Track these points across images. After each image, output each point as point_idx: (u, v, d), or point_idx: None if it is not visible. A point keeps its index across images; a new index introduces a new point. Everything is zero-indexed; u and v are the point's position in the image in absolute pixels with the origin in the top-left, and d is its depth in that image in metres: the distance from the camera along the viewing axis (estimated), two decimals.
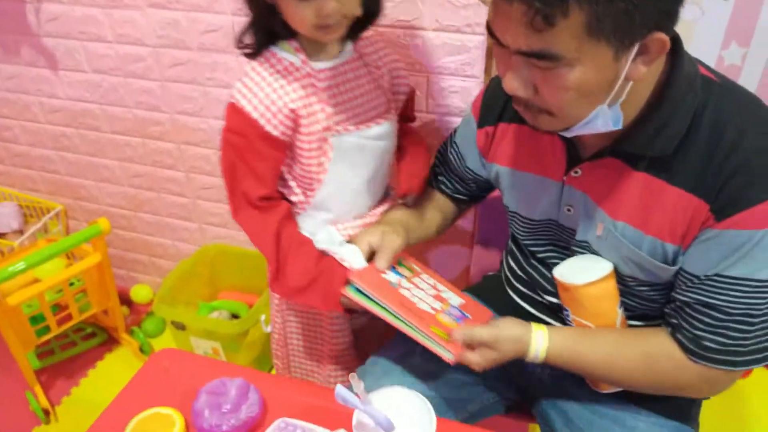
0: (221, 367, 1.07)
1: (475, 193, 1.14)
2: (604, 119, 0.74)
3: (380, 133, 1.08)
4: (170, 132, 1.69)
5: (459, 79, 1.31)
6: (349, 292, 0.95)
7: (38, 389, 1.75)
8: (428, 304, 0.96)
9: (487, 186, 1.11)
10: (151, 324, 1.97)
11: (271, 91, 0.99)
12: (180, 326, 1.67)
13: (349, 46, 1.06)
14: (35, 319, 1.69)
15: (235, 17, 1.41)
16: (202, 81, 1.55)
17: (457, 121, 1.36)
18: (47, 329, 1.69)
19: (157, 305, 1.67)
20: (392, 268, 1.00)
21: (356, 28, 1.02)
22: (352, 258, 1.00)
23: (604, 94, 0.71)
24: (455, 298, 1.03)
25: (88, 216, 2.04)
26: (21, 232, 2.00)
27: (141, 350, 1.88)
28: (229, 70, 1.50)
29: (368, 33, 1.08)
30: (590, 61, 0.67)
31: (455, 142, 1.10)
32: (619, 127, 0.76)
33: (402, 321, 0.89)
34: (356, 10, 0.95)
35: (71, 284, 1.70)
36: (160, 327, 1.99)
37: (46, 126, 1.86)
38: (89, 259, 1.66)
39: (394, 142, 1.14)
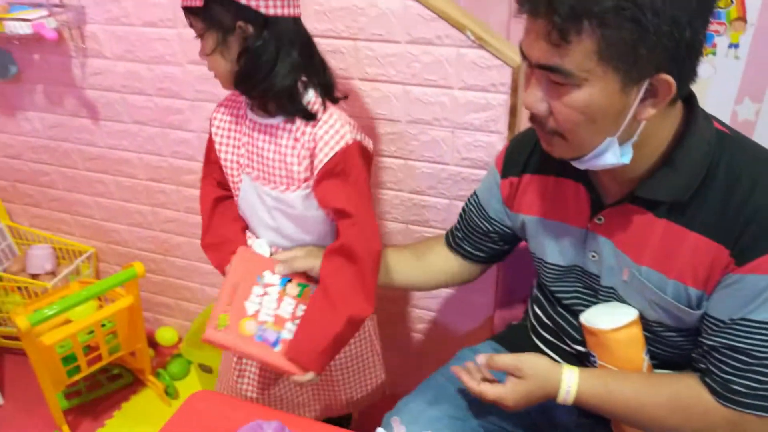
0: (256, 409, 1.10)
1: (494, 250, 1.18)
2: (614, 153, 0.80)
3: (278, 197, 1.16)
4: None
5: (484, 134, 1.38)
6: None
7: (66, 429, 1.78)
8: (258, 307, 1.12)
9: (509, 238, 1.15)
10: (177, 366, 2.00)
11: (222, 105, 1.29)
12: (207, 369, 1.71)
13: (280, 118, 1.13)
14: (67, 360, 1.73)
15: None
16: None
17: (481, 173, 1.42)
18: (78, 369, 1.73)
19: (185, 347, 1.71)
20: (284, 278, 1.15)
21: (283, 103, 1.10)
22: (259, 248, 1.21)
23: (613, 125, 0.78)
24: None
25: (118, 259, 2.11)
26: (53, 273, 2.06)
27: (166, 392, 1.90)
28: None
29: (330, 110, 1.12)
30: (598, 85, 0.74)
31: (476, 195, 1.16)
32: (627, 161, 0.81)
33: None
34: (220, 74, 1.12)
35: (103, 325, 1.75)
36: (185, 369, 2.02)
37: (83, 172, 1.95)
38: (122, 302, 1.71)
39: (307, 212, 1.17)
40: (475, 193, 1.17)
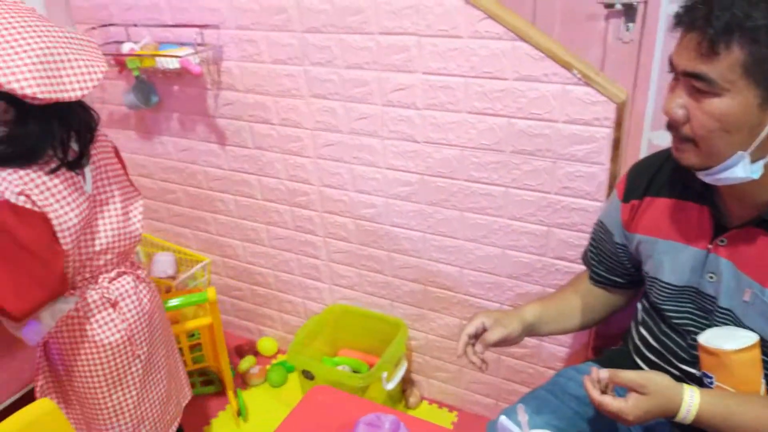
0: (368, 405, 1.21)
1: (631, 274, 1.21)
2: (744, 168, 0.84)
3: None
4: (315, 201, 1.94)
5: (585, 165, 1.46)
6: None
7: None
8: None
9: (638, 263, 1.17)
10: (276, 374, 2.16)
11: None
12: (309, 376, 1.84)
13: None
14: None
15: (385, 107, 1.65)
16: (348, 159, 1.80)
17: (582, 202, 1.50)
18: None
19: (291, 355, 1.85)
20: None
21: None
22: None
23: (746, 139, 0.83)
24: None
25: (229, 271, 2.31)
26: (173, 278, 2.29)
27: (238, 413, 2.03)
28: (374, 152, 1.73)
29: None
30: (738, 97, 0.80)
31: (601, 221, 1.23)
32: (756, 177, 0.86)
33: None
34: None
35: (190, 336, 1.95)
36: (283, 377, 2.17)
37: (206, 191, 2.18)
38: (201, 320, 1.89)
39: None
40: (600, 220, 1.24)
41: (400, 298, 1.94)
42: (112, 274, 1.35)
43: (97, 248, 1.29)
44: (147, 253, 2.44)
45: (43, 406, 1.20)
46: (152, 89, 2.05)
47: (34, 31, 1.07)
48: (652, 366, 1.13)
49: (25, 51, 1.04)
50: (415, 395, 2.04)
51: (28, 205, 1.12)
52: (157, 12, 1.92)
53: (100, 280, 1.32)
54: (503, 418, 0.86)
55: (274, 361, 2.28)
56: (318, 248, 2.03)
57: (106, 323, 1.32)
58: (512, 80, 1.46)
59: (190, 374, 2.17)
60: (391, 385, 1.81)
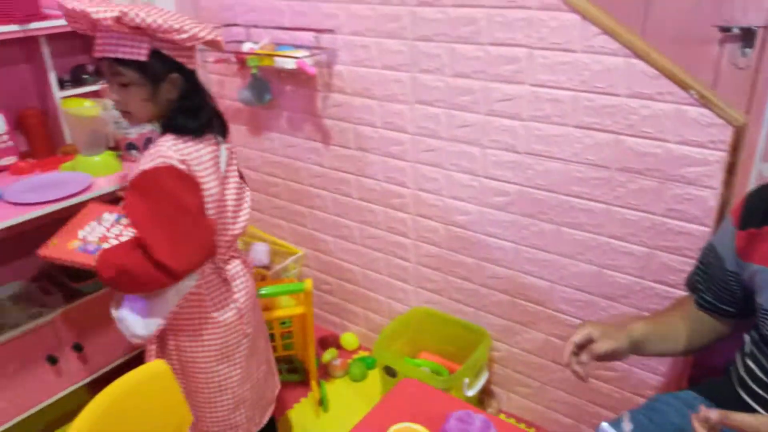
0: (456, 402, 1.23)
1: (740, 302, 1.16)
2: None
3: None
4: (409, 204, 1.99)
5: (695, 188, 1.41)
6: None
7: None
8: (87, 232, 1.52)
9: (749, 292, 1.12)
10: (357, 368, 2.22)
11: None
12: (392, 373, 1.89)
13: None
14: None
15: (489, 116, 1.68)
16: (446, 166, 1.83)
17: (688, 226, 1.45)
18: None
19: (376, 351, 1.91)
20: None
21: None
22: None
23: None
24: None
25: (320, 265, 2.41)
26: (268, 268, 2.41)
27: (320, 403, 2.10)
28: (473, 160, 1.76)
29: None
30: None
31: (713, 245, 1.19)
32: None
33: None
34: (136, 111, 1.31)
35: (282, 323, 2.04)
36: (364, 372, 2.22)
37: (307, 187, 2.28)
38: (295, 309, 1.98)
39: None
40: (711, 244, 1.20)
41: (486, 307, 1.95)
42: (226, 257, 1.45)
43: (220, 227, 1.39)
44: (244, 242, 2.59)
45: (157, 366, 1.32)
46: (266, 87, 2.18)
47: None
48: (758, 399, 1.08)
49: (180, 16, 1.27)
50: (493, 407, 2.03)
51: (189, 172, 1.26)
52: (277, 15, 2.05)
53: (216, 261, 1.42)
54: (605, 425, 0.86)
55: (355, 356, 2.35)
56: (407, 250, 2.08)
57: (221, 301, 1.42)
58: (624, 97, 1.44)
59: (277, 361, 2.28)
60: (472, 392, 1.82)
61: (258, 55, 1.99)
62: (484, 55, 1.62)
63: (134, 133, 1.79)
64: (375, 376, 2.25)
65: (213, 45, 1.35)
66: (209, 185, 1.32)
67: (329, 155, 2.14)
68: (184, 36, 1.23)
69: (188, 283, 1.37)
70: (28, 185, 1.68)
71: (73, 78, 1.90)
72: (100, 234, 1.53)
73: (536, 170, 1.65)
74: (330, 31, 1.92)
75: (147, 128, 1.83)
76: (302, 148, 2.22)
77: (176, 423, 1.35)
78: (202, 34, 1.26)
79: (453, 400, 1.25)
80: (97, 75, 1.93)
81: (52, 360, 1.84)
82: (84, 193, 1.64)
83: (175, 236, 1.24)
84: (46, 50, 1.76)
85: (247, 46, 2.06)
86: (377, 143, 1.98)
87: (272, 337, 2.04)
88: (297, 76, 2.09)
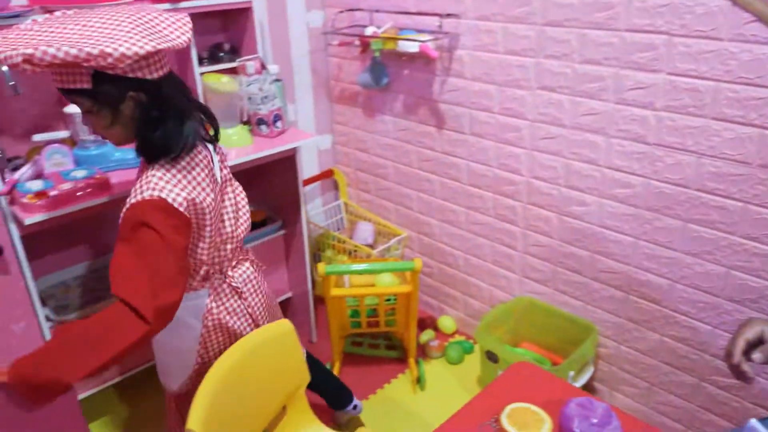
0: (573, 389, 1.23)
1: None
2: None
3: None
4: (521, 192, 1.98)
5: None
6: None
7: (337, 365, 2.18)
8: None
9: None
10: (454, 351, 2.24)
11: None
12: (494, 358, 1.89)
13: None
14: (355, 314, 2.11)
15: (618, 105, 1.63)
16: (566, 154, 1.80)
17: None
18: (359, 325, 2.13)
19: (478, 335, 1.92)
20: None
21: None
22: None
23: None
24: None
25: (422, 248, 2.45)
26: (371, 246, 2.48)
27: (417, 381, 2.14)
28: (597, 149, 1.72)
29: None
30: None
31: None
32: None
33: None
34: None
35: (387, 300, 2.09)
36: (461, 355, 2.25)
37: (415, 170, 2.32)
38: (401, 288, 2.01)
39: None
40: None
41: (596, 302, 1.90)
42: (234, 263, 1.37)
43: (224, 237, 1.31)
44: (350, 220, 2.68)
45: (284, 326, 1.41)
46: (384, 71, 2.24)
47: (121, 14, 1.11)
48: None
49: (119, 24, 1.07)
50: None
51: (181, 208, 1.13)
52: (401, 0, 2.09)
53: (224, 269, 1.35)
54: (754, 421, 0.83)
55: (452, 340, 2.37)
56: (515, 238, 2.06)
57: (236, 312, 1.36)
58: None
59: (376, 337, 2.36)
60: (577, 385, 1.79)
61: (382, 38, 2.05)
62: (618, 42, 1.58)
63: (265, 109, 1.90)
64: (472, 360, 2.26)
65: (156, 54, 1.13)
66: (207, 202, 1.19)
67: (442, 139, 2.16)
68: (110, 60, 1.02)
69: (199, 303, 1.32)
70: None
71: (210, 56, 2.04)
72: None
73: (666, 163, 1.58)
74: (455, 15, 1.93)
75: (277, 104, 1.93)
76: (415, 131, 2.25)
77: (296, 382, 1.43)
78: (131, 51, 1.03)
79: (569, 387, 1.25)
80: (233, 53, 2.05)
81: None
82: None
83: (154, 280, 1.08)
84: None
85: (370, 30, 2.12)
86: (493, 129, 1.98)
87: (375, 312, 2.10)
88: (415, 61, 2.12)
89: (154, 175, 1.13)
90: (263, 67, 1.87)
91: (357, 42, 2.19)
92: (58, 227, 1.83)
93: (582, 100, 1.71)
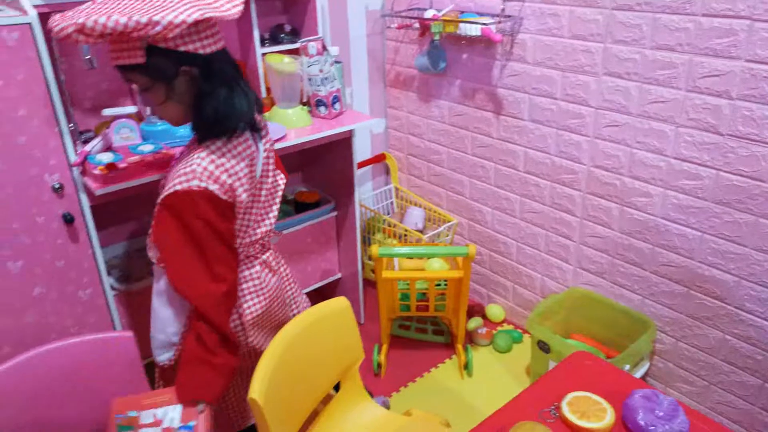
0: (635, 381, 1.20)
1: None
2: None
3: None
4: (580, 181, 1.93)
5: None
6: None
7: (384, 347, 2.19)
8: None
9: None
10: (503, 340, 2.23)
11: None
12: (545, 348, 1.87)
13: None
14: (405, 297, 2.11)
15: (689, 93, 1.57)
16: (631, 143, 1.75)
17: None
18: (408, 308, 2.13)
19: (530, 325, 1.90)
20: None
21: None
22: None
23: None
24: (175, 412, 1.19)
25: (473, 235, 2.43)
26: (422, 231, 2.48)
27: (465, 367, 2.13)
28: (664, 139, 1.66)
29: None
30: None
31: None
32: None
33: None
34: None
35: (437, 285, 2.08)
36: (509, 344, 2.23)
37: (470, 157, 2.30)
38: (453, 273, 2.00)
39: None
40: None
41: (655, 296, 1.85)
42: (255, 254, 1.35)
43: (249, 228, 1.30)
44: (400, 205, 2.68)
45: (341, 303, 1.42)
46: (442, 55, 2.21)
47: None
48: None
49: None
50: None
51: (225, 196, 1.16)
52: None
53: (247, 259, 1.34)
54: None
55: (500, 328, 2.35)
56: (572, 228, 2.02)
57: (251, 296, 1.35)
58: None
59: (423, 321, 2.36)
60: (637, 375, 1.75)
61: (442, 21, 2.02)
62: (693, 27, 1.51)
63: (325, 90, 1.91)
64: (520, 349, 2.24)
65: (205, 22, 1.13)
66: (242, 197, 1.21)
67: (499, 125, 2.13)
68: (159, 29, 1.03)
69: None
70: None
71: (272, 37, 2.06)
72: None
73: (739, 155, 1.52)
74: None
75: (336, 86, 1.94)
76: (471, 117, 2.23)
77: (352, 358, 1.45)
78: (179, 20, 1.03)
79: (631, 379, 1.22)
80: (293, 35, 2.07)
81: None
82: (281, 141, 1.79)
83: (202, 264, 1.16)
84: (253, 8, 1.91)
85: (430, 13, 2.10)
86: (553, 116, 1.94)
87: (425, 296, 2.10)
88: (475, 45, 2.09)
89: (201, 159, 1.15)
90: (324, 48, 1.88)
91: (416, 25, 2.17)
92: (123, 200, 1.89)
93: (651, 87, 1.65)
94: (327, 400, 1.45)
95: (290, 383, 1.24)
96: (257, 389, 1.12)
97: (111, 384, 1.30)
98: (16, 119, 1.41)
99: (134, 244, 2.05)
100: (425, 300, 2.11)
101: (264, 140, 1.30)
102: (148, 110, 1.72)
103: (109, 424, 1.19)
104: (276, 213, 1.37)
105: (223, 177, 1.16)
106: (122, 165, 1.52)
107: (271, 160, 1.33)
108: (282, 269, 1.47)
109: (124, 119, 1.70)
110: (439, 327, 2.36)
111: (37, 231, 1.51)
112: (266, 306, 1.37)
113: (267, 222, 1.34)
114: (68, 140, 1.49)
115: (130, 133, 1.71)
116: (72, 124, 1.59)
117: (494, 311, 2.40)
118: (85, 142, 1.69)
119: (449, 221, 2.47)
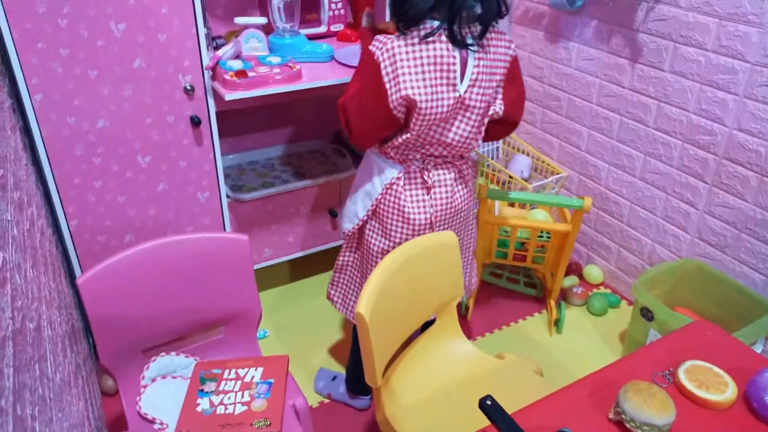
0: (759, 357, 1.11)
1: None
2: None
3: None
4: (718, 145, 1.76)
5: None
6: None
7: (474, 291, 2.07)
8: (240, 402, 1.24)
9: None
10: (599, 302, 2.14)
11: None
12: (648, 316, 1.78)
13: None
14: (503, 244, 2.05)
15: None
16: None
17: None
18: (504, 255, 2.07)
19: (636, 290, 1.80)
20: (199, 392, 1.26)
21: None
22: None
23: None
24: (256, 372, 1.31)
25: (582, 190, 2.31)
26: (527, 180, 2.39)
27: (555, 323, 2.07)
28: None
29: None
30: None
31: None
32: None
33: None
34: None
35: (539, 236, 2.00)
36: (605, 307, 2.14)
37: (594, 106, 2.15)
38: (560, 226, 1.90)
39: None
40: None
41: None
42: (439, 161, 1.40)
43: (435, 144, 1.34)
44: (506, 151, 2.58)
45: (449, 236, 1.40)
46: None
47: None
48: None
49: None
50: None
51: (383, 73, 1.20)
52: None
53: (426, 163, 1.39)
54: None
55: (596, 290, 2.26)
56: (698, 195, 1.87)
57: (417, 202, 1.40)
58: None
59: (516, 272, 2.31)
60: None
61: None
62: None
63: None
64: (616, 314, 2.16)
65: None
66: (415, 91, 1.22)
67: (632, 74, 1.97)
68: None
69: (391, 173, 1.39)
70: (353, 51, 1.83)
71: None
72: None
73: None
74: None
75: None
76: (602, 62, 2.07)
77: (451, 294, 1.44)
78: None
79: (759, 357, 1.13)
80: None
81: (333, 214, 2.08)
82: None
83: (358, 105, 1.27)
84: None
85: None
86: (700, 69, 1.76)
87: (524, 246, 2.04)
88: None
89: (387, 37, 1.22)
90: None
91: None
92: (244, 111, 1.93)
93: None
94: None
95: (394, 306, 1.25)
96: (365, 305, 1.13)
97: (222, 282, 1.37)
98: (159, 16, 1.45)
99: (247, 158, 2.12)
100: (524, 250, 2.06)
101: (482, 60, 1.30)
102: (283, 18, 1.72)
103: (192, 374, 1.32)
104: (463, 136, 1.37)
105: (394, 56, 1.23)
106: (252, 74, 1.55)
107: (489, 83, 1.33)
108: (443, 199, 1.47)
109: (253, 29, 1.72)
110: (531, 280, 2.31)
111: (167, 129, 1.59)
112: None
113: (448, 138, 1.36)
114: (203, 43, 1.53)
115: (258, 43, 1.73)
116: (206, 29, 1.62)
117: (593, 272, 2.30)
118: (216, 48, 1.73)
119: (558, 173, 2.36)
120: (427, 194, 1.41)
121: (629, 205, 2.13)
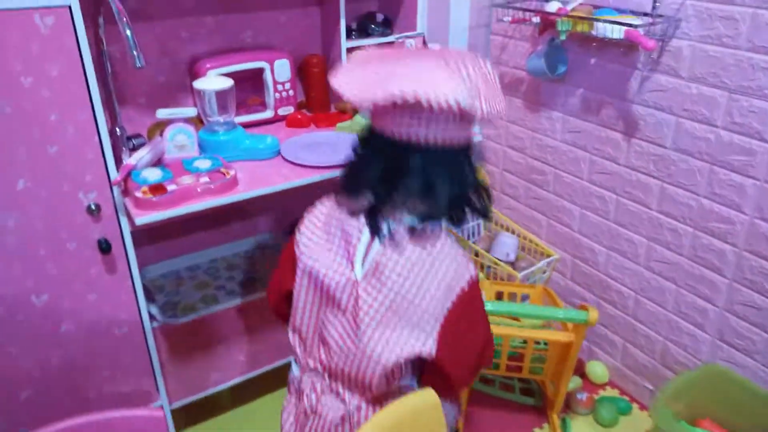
0: None
1: None
2: None
3: None
4: (737, 234, 1.50)
5: None
6: None
7: (463, 407, 1.80)
8: None
9: None
10: (606, 410, 1.83)
11: None
12: None
13: None
14: (495, 353, 1.72)
15: None
16: None
17: None
18: (497, 366, 1.75)
19: (658, 410, 1.50)
20: None
21: None
22: None
23: None
24: None
25: (579, 276, 2.02)
26: (512, 264, 2.10)
27: None
28: None
29: None
30: None
31: None
32: None
33: None
34: None
35: (536, 343, 1.71)
36: (614, 416, 1.83)
37: (584, 183, 1.89)
38: (562, 336, 1.62)
39: None
40: None
41: None
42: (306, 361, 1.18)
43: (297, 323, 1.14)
44: (489, 230, 2.30)
45: (426, 397, 1.09)
46: (563, 57, 1.81)
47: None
48: None
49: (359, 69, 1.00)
50: None
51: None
52: None
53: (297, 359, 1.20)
54: None
55: (603, 393, 1.96)
56: (717, 291, 1.59)
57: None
58: None
59: (510, 377, 1.99)
60: None
61: (573, 18, 1.62)
62: None
63: None
64: (628, 423, 1.85)
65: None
66: (305, 263, 1.07)
67: (629, 150, 1.71)
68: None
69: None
70: (304, 142, 1.54)
71: (360, 27, 1.72)
72: None
73: None
74: None
75: None
76: (592, 135, 1.81)
77: None
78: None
79: None
80: (385, 26, 1.72)
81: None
82: None
83: None
84: None
85: (554, 6, 1.70)
86: (710, 147, 1.51)
87: (516, 355, 1.74)
88: (608, 48, 1.67)
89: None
90: (425, 45, 1.52)
91: (536, 20, 1.77)
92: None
93: None
94: None
95: None
96: None
97: None
98: (46, 125, 1.15)
99: (185, 262, 1.80)
100: (519, 360, 1.75)
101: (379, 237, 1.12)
102: (215, 110, 1.43)
103: None
104: (330, 355, 1.17)
105: (303, 225, 1.13)
106: (171, 187, 1.24)
107: (386, 270, 1.11)
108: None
109: (180, 123, 1.42)
110: (529, 385, 1.99)
111: (68, 259, 1.26)
112: None
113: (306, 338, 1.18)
114: (109, 152, 1.22)
115: (186, 140, 1.43)
116: (119, 128, 1.32)
117: (596, 370, 2.00)
118: (134, 149, 1.43)
119: (549, 255, 2.08)
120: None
121: (634, 295, 1.84)
